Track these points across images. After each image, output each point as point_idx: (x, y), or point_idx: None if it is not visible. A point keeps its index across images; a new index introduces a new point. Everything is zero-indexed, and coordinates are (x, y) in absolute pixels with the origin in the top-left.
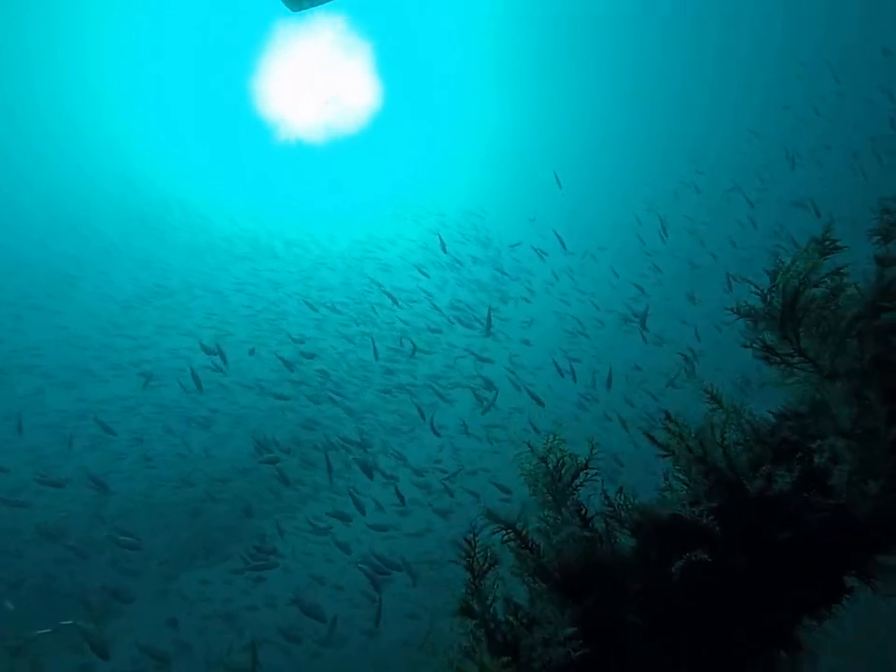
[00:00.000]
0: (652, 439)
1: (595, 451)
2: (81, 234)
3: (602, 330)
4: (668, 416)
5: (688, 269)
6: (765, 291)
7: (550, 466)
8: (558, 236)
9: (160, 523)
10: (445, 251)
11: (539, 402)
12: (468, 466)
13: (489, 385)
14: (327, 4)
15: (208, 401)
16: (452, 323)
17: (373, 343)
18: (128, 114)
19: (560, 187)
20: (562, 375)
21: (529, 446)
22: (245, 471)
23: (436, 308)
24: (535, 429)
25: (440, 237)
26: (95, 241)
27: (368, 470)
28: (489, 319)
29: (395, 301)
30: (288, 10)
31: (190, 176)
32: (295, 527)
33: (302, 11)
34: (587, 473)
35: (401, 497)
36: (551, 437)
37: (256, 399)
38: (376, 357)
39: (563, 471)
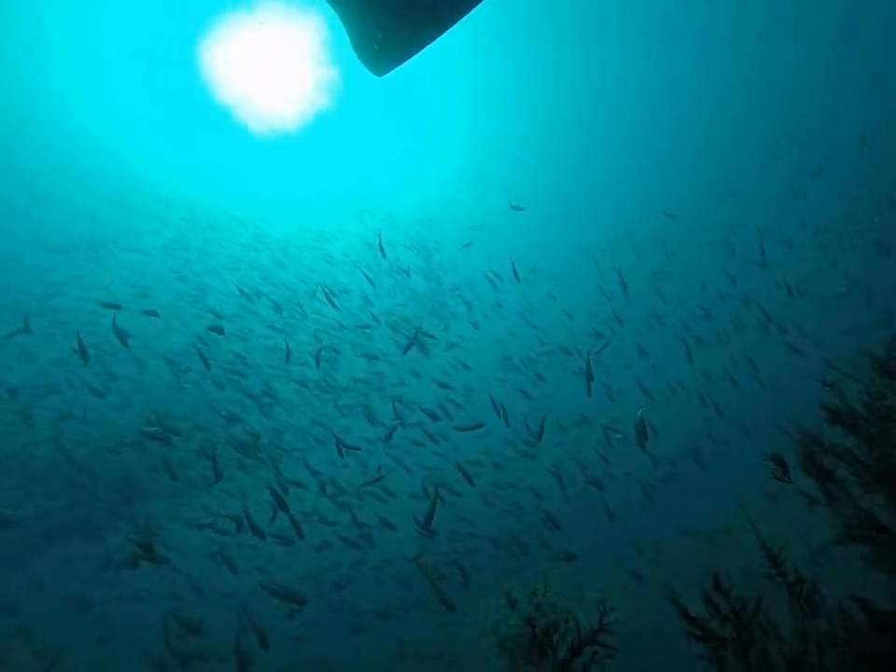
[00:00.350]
0: (687, 616)
1: (606, 617)
2: (15, 177)
3: (542, 367)
4: (716, 582)
5: (649, 318)
6: None
7: (538, 632)
8: (513, 265)
9: (35, 487)
10: (384, 255)
11: (467, 428)
12: (380, 486)
13: (408, 403)
14: (406, 62)
15: (111, 363)
16: (402, 338)
17: (286, 343)
18: (86, 76)
19: (522, 208)
20: (498, 414)
21: (509, 600)
22: (136, 445)
23: (371, 313)
24: (461, 469)
25: (379, 240)
26: (27, 185)
27: (281, 502)
28: (416, 336)
29: (330, 300)
30: (375, 76)
31: (137, 140)
32: (189, 516)
33: (387, 74)
34: (595, 652)
35: (298, 530)
36: (540, 588)
37: (161, 370)
38: (287, 360)
39: (555, 640)
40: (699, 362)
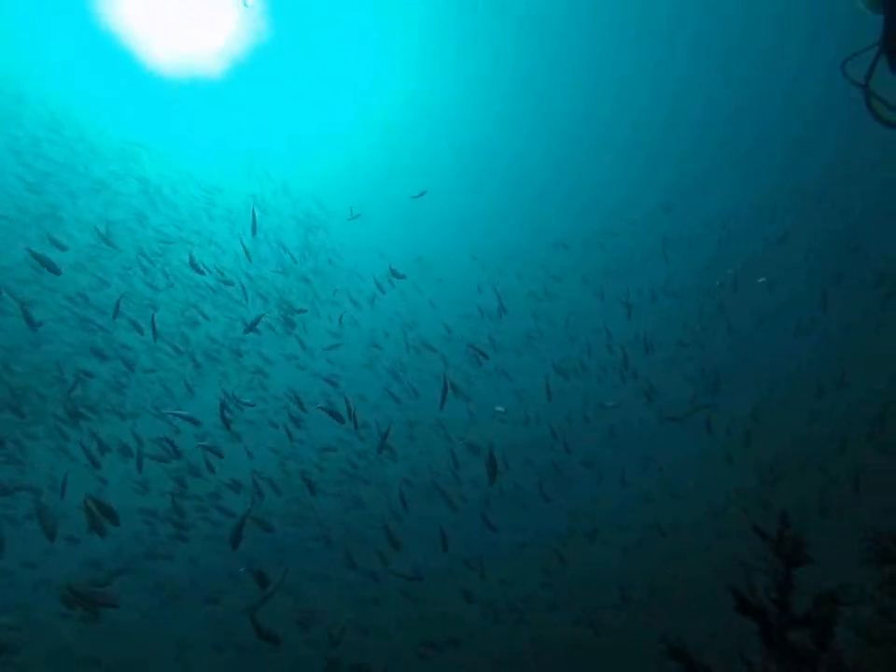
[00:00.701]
0: None
1: None
2: None
3: (408, 368)
4: None
5: (519, 343)
6: None
7: None
8: (391, 269)
9: None
10: (254, 233)
11: (324, 408)
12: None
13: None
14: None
15: None
16: (270, 306)
17: (119, 300)
18: None
19: (421, 193)
20: (349, 414)
21: None
22: None
23: (240, 280)
24: (306, 481)
25: (253, 214)
26: None
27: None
28: (258, 319)
29: (194, 264)
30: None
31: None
32: None
33: None
34: None
35: (99, 528)
36: None
37: None
38: (114, 315)
39: None
40: (558, 394)
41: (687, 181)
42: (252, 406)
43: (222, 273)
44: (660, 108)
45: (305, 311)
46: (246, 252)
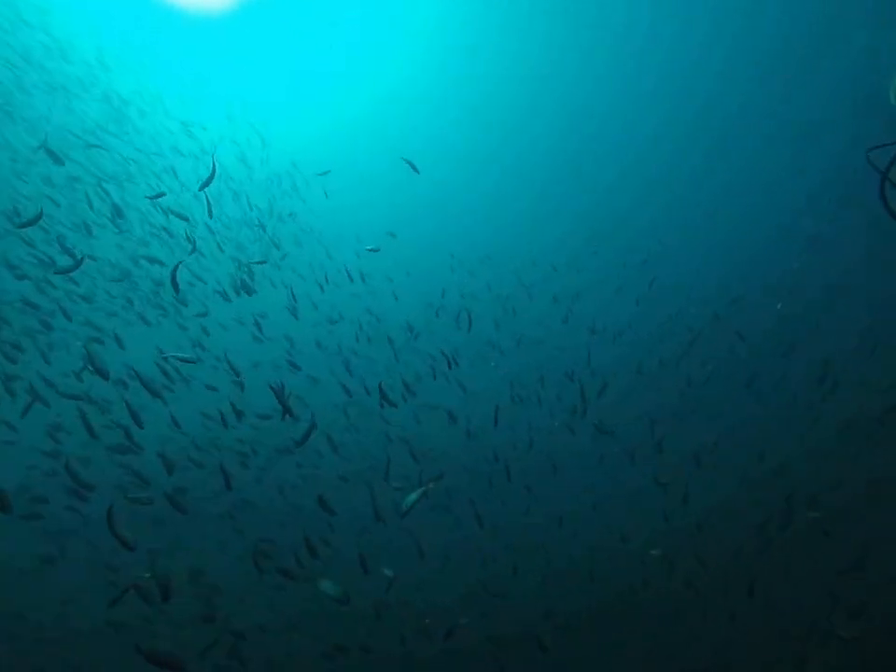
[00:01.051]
0: None
1: None
2: None
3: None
4: None
5: (477, 358)
6: None
7: None
8: (348, 272)
9: None
10: (206, 185)
11: (275, 389)
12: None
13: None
14: None
15: None
16: (226, 260)
17: (39, 213)
18: None
19: (415, 169)
20: (283, 405)
21: None
22: None
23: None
24: (223, 472)
25: (214, 164)
26: None
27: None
28: (174, 272)
29: (152, 198)
30: None
31: None
32: None
33: None
34: None
35: None
36: None
37: None
38: (21, 225)
39: None
40: (506, 410)
41: (682, 223)
42: (193, 363)
43: (179, 214)
44: (675, 128)
45: (265, 262)
46: (209, 204)
